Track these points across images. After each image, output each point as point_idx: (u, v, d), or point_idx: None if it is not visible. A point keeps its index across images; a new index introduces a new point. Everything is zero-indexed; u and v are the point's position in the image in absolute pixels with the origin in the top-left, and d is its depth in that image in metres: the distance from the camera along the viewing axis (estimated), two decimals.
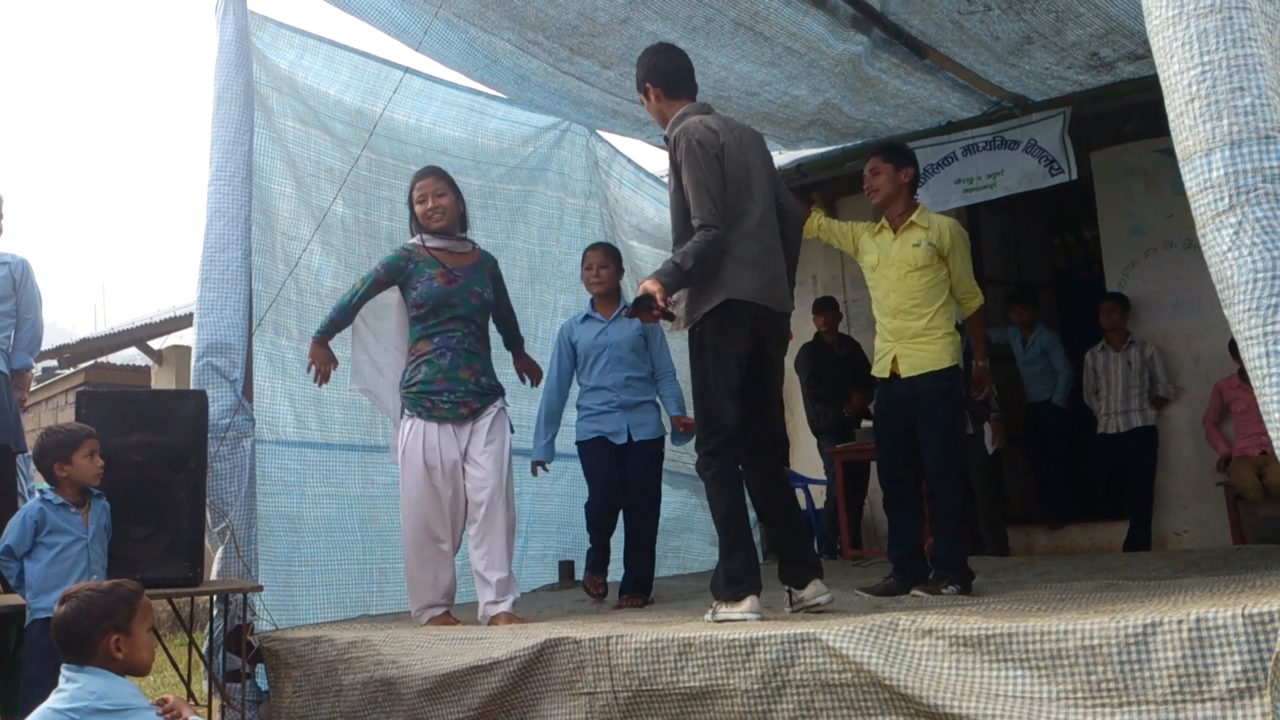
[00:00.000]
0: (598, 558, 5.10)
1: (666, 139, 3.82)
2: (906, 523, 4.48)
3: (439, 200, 4.47)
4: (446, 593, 4.39)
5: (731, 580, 3.65)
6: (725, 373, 3.69)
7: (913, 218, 4.45)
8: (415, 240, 4.52)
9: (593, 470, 5.04)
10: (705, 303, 3.70)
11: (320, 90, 5.48)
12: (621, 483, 4.98)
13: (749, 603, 3.59)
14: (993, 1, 5.01)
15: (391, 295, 4.54)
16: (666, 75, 3.90)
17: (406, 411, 4.37)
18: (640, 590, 4.88)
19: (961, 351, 4.47)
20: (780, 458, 4.04)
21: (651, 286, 3.53)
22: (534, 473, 5.20)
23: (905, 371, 4.41)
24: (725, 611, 3.61)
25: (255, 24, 5.07)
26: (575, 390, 5.21)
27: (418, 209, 4.50)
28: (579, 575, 6.09)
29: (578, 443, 5.09)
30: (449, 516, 4.32)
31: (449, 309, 4.38)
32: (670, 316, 3.68)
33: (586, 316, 5.13)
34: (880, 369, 4.52)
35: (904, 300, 4.42)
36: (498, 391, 4.48)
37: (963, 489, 4.33)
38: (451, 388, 4.32)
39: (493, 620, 4.20)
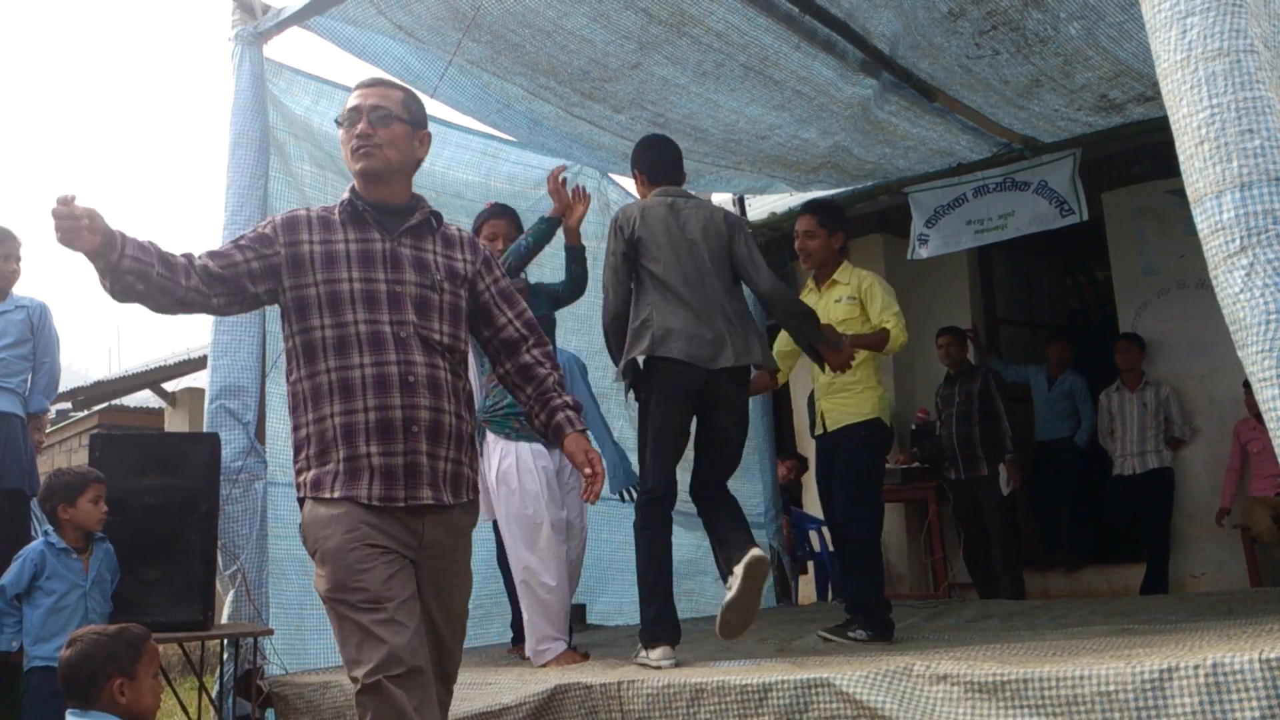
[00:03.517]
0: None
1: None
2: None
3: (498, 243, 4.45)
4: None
5: (645, 630, 3.77)
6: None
7: (835, 274, 4.50)
8: None
9: None
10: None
11: (335, 135, 5.51)
12: None
13: (660, 651, 3.68)
14: (1000, 46, 5.04)
15: None
16: (650, 164, 4.24)
17: (492, 437, 4.23)
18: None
19: (890, 408, 4.56)
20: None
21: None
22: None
23: (830, 425, 4.47)
24: (643, 656, 3.72)
25: (271, 71, 5.13)
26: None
27: (492, 245, 4.39)
28: (591, 618, 6.07)
29: None
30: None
31: None
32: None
33: None
34: (817, 427, 4.59)
35: None
36: None
37: (873, 534, 4.36)
38: None
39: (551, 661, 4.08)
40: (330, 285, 2.58)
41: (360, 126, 2.70)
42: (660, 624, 3.75)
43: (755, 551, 3.57)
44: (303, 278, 2.60)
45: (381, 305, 2.58)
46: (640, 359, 3.88)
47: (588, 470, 2.65)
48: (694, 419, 3.95)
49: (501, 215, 4.58)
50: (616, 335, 3.94)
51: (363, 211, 2.68)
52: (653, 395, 3.86)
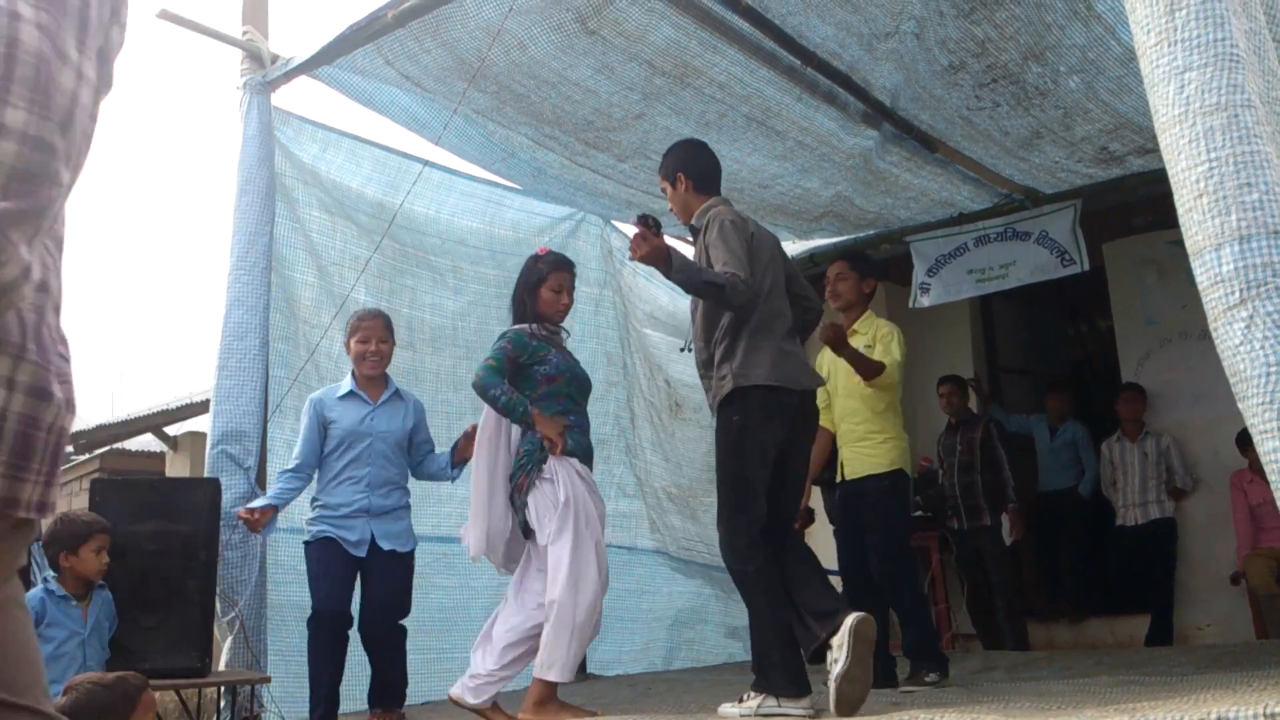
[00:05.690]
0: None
1: (693, 227, 3.81)
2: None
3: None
4: None
5: (786, 675, 3.40)
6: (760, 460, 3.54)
7: (855, 324, 4.59)
8: (527, 327, 4.08)
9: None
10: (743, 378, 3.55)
11: (342, 183, 5.60)
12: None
13: (808, 700, 3.35)
14: (1001, 98, 5.09)
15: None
16: (701, 170, 3.90)
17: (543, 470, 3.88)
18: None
19: (909, 458, 4.66)
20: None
21: (665, 248, 3.40)
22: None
23: (850, 474, 4.56)
24: (770, 705, 3.36)
25: (279, 119, 5.20)
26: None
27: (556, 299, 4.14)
28: (590, 668, 6.01)
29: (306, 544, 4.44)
30: None
31: (579, 390, 4.09)
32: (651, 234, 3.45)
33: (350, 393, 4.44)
34: (836, 475, 4.67)
35: (848, 405, 4.58)
36: None
37: (914, 580, 4.54)
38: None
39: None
40: None
41: None
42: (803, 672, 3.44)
43: (856, 614, 3.30)
44: None
45: None
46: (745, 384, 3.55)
47: None
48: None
49: (567, 268, 4.18)
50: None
51: None
52: (761, 421, 3.54)
